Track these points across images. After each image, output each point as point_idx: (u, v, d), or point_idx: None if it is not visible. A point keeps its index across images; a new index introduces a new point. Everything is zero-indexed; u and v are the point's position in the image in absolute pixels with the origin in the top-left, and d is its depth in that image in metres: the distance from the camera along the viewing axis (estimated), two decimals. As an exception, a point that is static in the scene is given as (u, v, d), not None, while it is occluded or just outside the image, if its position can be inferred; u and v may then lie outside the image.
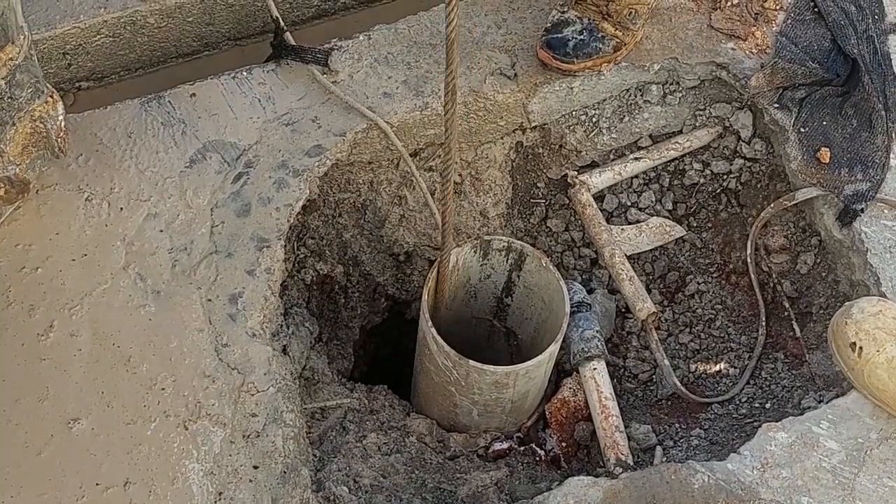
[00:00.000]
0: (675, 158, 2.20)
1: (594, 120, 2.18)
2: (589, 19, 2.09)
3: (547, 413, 1.99)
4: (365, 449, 1.82)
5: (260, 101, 2.03)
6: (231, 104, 2.02)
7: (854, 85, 2.07)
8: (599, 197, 2.20)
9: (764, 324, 2.07)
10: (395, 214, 2.18)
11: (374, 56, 2.10)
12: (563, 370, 2.07)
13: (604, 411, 1.90)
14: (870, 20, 2.16)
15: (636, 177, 2.22)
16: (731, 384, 2.01)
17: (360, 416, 1.91)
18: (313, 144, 1.97)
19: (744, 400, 1.96)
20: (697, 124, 2.19)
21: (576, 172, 2.19)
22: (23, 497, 1.58)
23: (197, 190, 1.90)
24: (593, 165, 2.22)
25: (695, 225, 2.22)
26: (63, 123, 1.87)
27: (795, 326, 2.03)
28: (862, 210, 1.95)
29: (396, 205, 2.17)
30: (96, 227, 1.85)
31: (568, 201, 2.20)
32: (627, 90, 2.18)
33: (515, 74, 2.09)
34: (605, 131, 2.19)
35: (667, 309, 2.17)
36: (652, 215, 2.20)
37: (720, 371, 2.05)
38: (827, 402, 1.79)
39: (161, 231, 1.85)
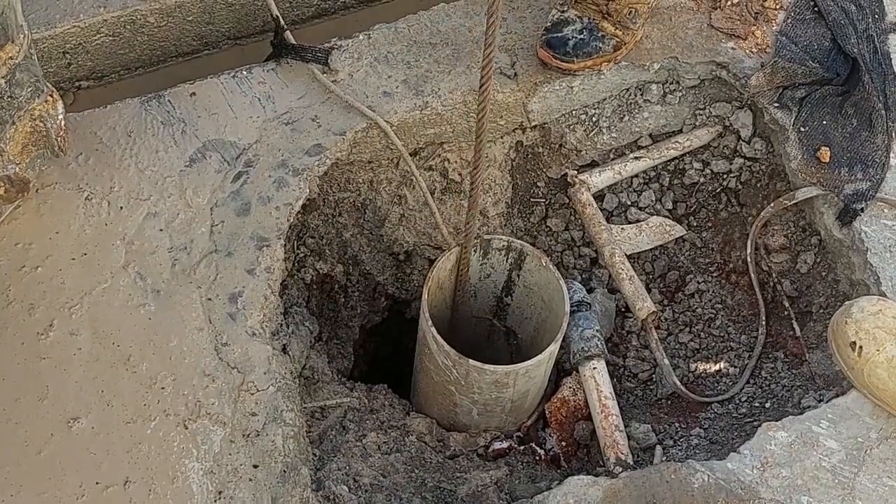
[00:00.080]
0: (675, 158, 2.20)
1: (594, 119, 2.18)
2: (589, 18, 2.09)
3: (547, 412, 1.99)
4: (365, 448, 1.82)
5: (260, 100, 2.03)
6: (231, 103, 2.02)
7: (854, 84, 2.07)
8: (599, 196, 2.20)
9: (764, 323, 2.07)
10: (395, 214, 2.18)
11: (373, 55, 2.10)
12: (562, 369, 2.07)
13: (603, 410, 1.90)
14: (870, 19, 2.16)
15: (636, 176, 2.22)
16: (730, 383, 2.01)
17: (359, 415, 1.91)
18: (313, 143, 1.97)
19: (744, 399, 1.96)
20: (697, 123, 2.19)
21: (576, 172, 2.19)
22: (23, 496, 1.58)
23: (197, 189, 1.90)
24: (593, 165, 2.22)
25: (695, 224, 2.22)
26: (63, 122, 1.87)
27: (795, 326, 2.03)
28: (862, 209, 1.94)
29: (396, 204, 2.17)
30: (96, 226, 1.85)
31: (568, 200, 2.20)
32: (627, 89, 2.18)
33: (515, 74, 2.09)
34: (605, 130, 2.19)
35: (667, 308, 2.17)
36: (652, 214, 2.20)
37: (720, 370, 2.05)
38: (827, 402, 1.79)
39: (161, 230, 1.85)
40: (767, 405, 1.92)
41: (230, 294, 1.79)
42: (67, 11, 2.14)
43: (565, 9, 2.11)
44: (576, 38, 2.07)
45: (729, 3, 2.20)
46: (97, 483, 1.60)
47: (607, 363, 1.99)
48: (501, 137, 2.18)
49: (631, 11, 2.07)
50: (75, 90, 2.27)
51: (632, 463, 1.83)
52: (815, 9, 2.20)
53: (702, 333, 2.12)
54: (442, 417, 2.00)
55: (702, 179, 2.20)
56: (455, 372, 1.81)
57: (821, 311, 2.01)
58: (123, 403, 1.67)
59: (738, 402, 1.96)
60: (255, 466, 1.64)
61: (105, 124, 1.97)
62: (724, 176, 2.18)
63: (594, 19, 2.09)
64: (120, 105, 2.01)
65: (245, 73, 2.07)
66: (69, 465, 1.61)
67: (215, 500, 1.60)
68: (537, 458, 1.95)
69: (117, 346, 1.72)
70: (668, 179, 2.22)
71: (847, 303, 1.81)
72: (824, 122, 2.05)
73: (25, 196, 1.86)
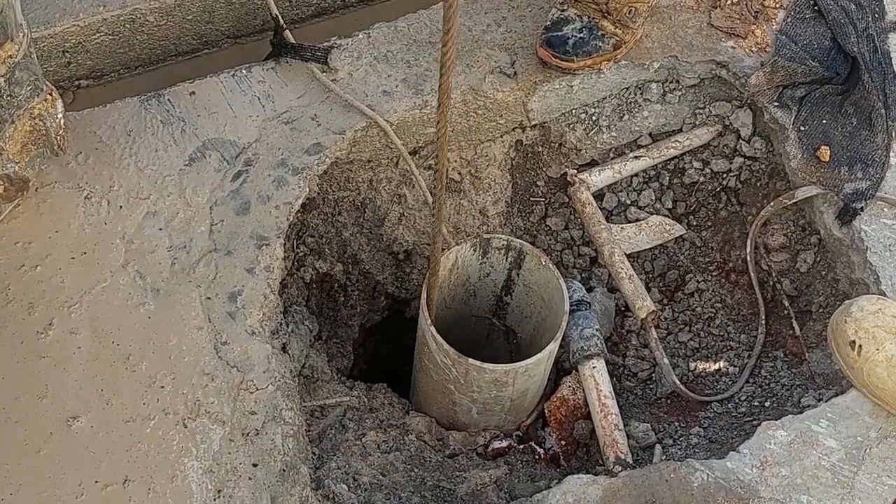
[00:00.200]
0: (675, 157, 2.20)
1: (594, 118, 2.18)
2: (589, 17, 2.09)
3: (546, 411, 1.99)
4: (364, 447, 1.82)
5: (259, 99, 2.03)
6: (230, 102, 2.02)
7: (854, 83, 2.07)
8: (599, 195, 2.20)
9: (763, 322, 2.07)
10: (395, 213, 2.18)
11: (373, 54, 2.10)
12: (562, 368, 2.07)
13: (603, 409, 1.90)
14: (870, 18, 2.16)
15: (636, 175, 2.22)
16: (730, 383, 2.01)
17: (359, 414, 1.91)
18: (313, 143, 1.97)
19: (743, 398, 1.96)
20: (697, 123, 2.19)
21: (575, 171, 2.18)
22: (22, 495, 1.58)
23: (196, 188, 1.90)
24: (593, 164, 2.22)
25: (694, 223, 2.22)
26: (62, 121, 1.87)
27: (795, 325, 2.03)
28: (862, 208, 1.94)
29: (396, 203, 2.17)
30: (96, 226, 1.85)
31: (567, 200, 2.20)
32: (627, 88, 2.18)
33: (515, 73, 2.09)
34: (604, 130, 2.19)
35: (666, 307, 2.17)
36: (651, 214, 2.20)
37: (719, 369, 2.05)
38: (826, 401, 1.79)
39: (160, 229, 1.85)
40: (767, 404, 1.92)
41: (230, 293, 1.79)
42: (67, 10, 2.14)
43: (565, 7, 2.11)
44: (575, 36, 2.07)
45: (729, 1, 2.20)
46: (96, 482, 1.60)
47: (607, 362, 1.99)
48: (501, 136, 2.17)
49: (631, 10, 2.07)
50: (75, 89, 2.27)
51: (631, 462, 1.83)
52: (815, 8, 2.20)
53: (701, 332, 2.12)
54: (441, 416, 2.00)
55: (701, 178, 2.20)
56: (454, 371, 1.81)
57: (820, 310, 2.01)
58: (123, 402, 1.67)
59: (737, 401, 1.96)
60: (255, 465, 1.64)
61: (104, 123, 1.97)
62: (724, 175, 2.18)
63: (594, 18, 2.09)
64: (119, 104, 2.01)
65: (245, 72, 2.07)
66: (68, 463, 1.61)
67: (214, 499, 1.60)
68: (537, 457, 1.95)
69: (117, 344, 1.72)
70: (667, 178, 2.22)
71: (847, 302, 1.81)
72: (824, 122, 2.05)
73: (25, 195, 1.86)
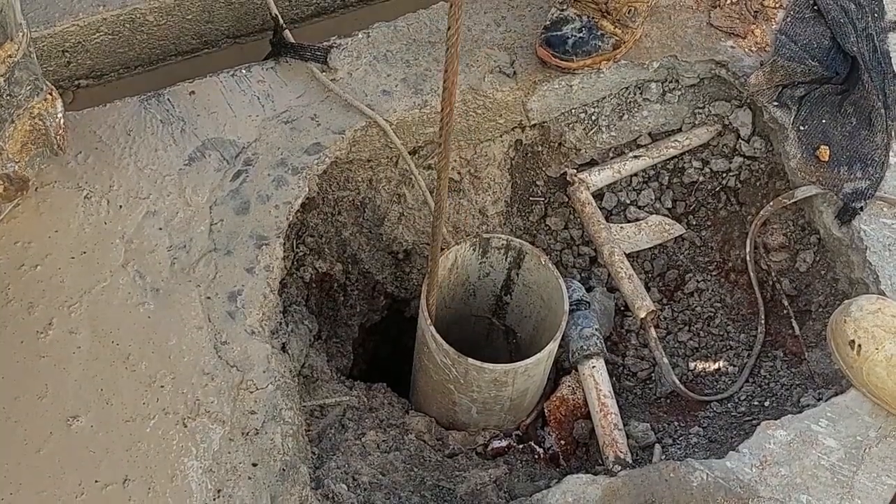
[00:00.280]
0: (675, 156, 2.20)
1: (593, 118, 2.18)
2: (588, 17, 2.09)
3: (546, 411, 1.99)
4: (364, 446, 1.82)
5: (259, 98, 2.03)
6: (230, 102, 2.02)
7: (853, 83, 2.07)
8: (599, 195, 2.20)
9: (763, 322, 2.07)
10: (395, 212, 2.18)
11: (373, 54, 2.10)
12: (562, 368, 2.07)
13: (602, 409, 1.90)
14: (869, 18, 2.16)
15: (635, 175, 2.22)
16: (730, 382, 2.01)
17: (359, 413, 1.91)
18: (312, 142, 1.97)
19: (743, 398, 1.96)
20: (697, 122, 2.19)
21: (575, 170, 2.18)
22: (22, 494, 1.58)
23: (196, 188, 1.90)
24: (592, 163, 2.22)
25: (694, 223, 2.22)
26: (62, 121, 1.87)
27: (794, 324, 2.03)
28: (861, 208, 1.94)
29: (395, 203, 2.17)
30: (95, 225, 1.85)
31: (567, 199, 2.20)
32: (627, 88, 2.18)
33: (514, 72, 2.09)
34: (604, 129, 2.19)
35: (666, 307, 2.17)
36: (651, 213, 2.20)
37: (719, 369, 2.05)
38: (826, 400, 1.79)
39: (160, 229, 1.85)
40: (766, 404, 1.92)
41: (229, 293, 1.79)
42: (67, 10, 2.14)
43: (564, 7, 2.11)
44: (575, 36, 2.07)
45: (728, 1, 2.20)
46: (96, 481, 1.60)
47: (606, 362, 1.99)
48: (501, 136, 2.18)
49: (630, 10, 2.07)
50: (74, 89, 2.27)
51: (631, 461, 1.83)
52: (815, 7, 2.20)
53: (701, 332, 2.12)
54: (441, 416, 2.00)
55: (701, 178, 2.20)
56: (454, 370, 1.81)
57: (820, 309, 2.01)
58: (122, 402, 1.67)
59: (737, 400, 1.96)
60: (255, 465, 1.64)
61: (104, 123, 1.97)
62: (724, 175, 2.18)
63: (593, 18, 2.09)
64: (119, 104, 2.01)
65: (244, 71, 2.07)
66: (68, 463, 1.61)
67: (214, 499, 1.60)
68: (536, 456, 1.95)
69: (116, 344, 1.72)
70: (667, 178, 2.22)
71: (846, 301, 1.81)
72: (824, 121, 2.05)
73: (25, 194, 1.86)
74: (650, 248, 2.19)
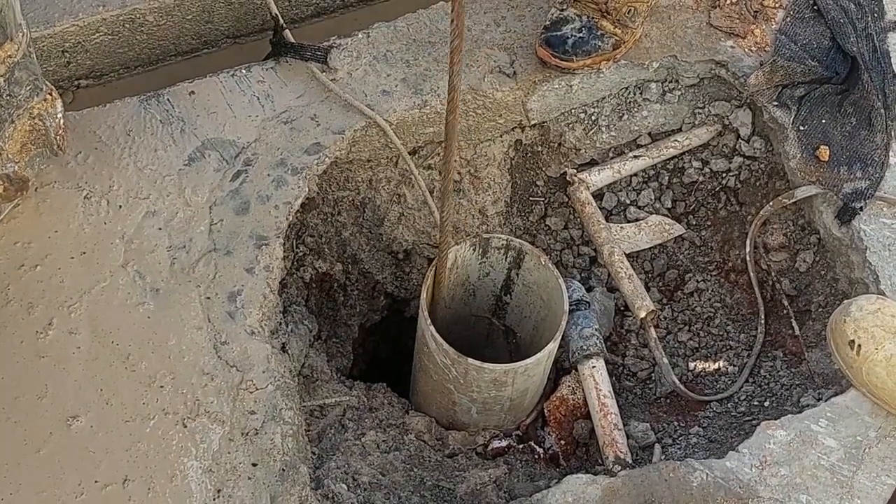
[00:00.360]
0: (675, 156, 2.20)
1: (593, 118, 2.18)
2: (588, 17, 2.09)
3: (546, 411, 1.99)
4: (364, 447, 1.82)
5: (259, 99, 2.03)
6: (230, 102, 2.02)
7: (853, 83, 2.07)
8: (598, 195, 2.20)
9: (763, 322, 2.07)
10: (394, 212, 2.18)
11: (373, 54, 2.10)
12: (561, 368, 2.07)
13: (602, 409, 1.90)
14: (869, 18, 2.16)
15: (635, 175, 2.22)
16: (729, 382, 2.01)
17: (358, 413, 1.91)
18: (312, 142, 1.97)
19: (742, 398, 1.96)
20: (697, 122, 2.19)
21: (575, 170, 2.18)
22: (22, 494, 1.58)
23: (196, 188, 1.90)
24: (592, 163, 2.22)
25: (694, 223, 2.22)
26: (62, 121, 1.87)
27: (794, 324, 2.03)
28: (861, 208, 1.94)
29: (395, 203, 2.17)
30: (95, 225, 1.85)
31: (567, 199, 2.20)
32: (627, 88, 2.18)
33: (514, 72, 2.09)
34: (604, 129, 2.19)
35: (666, 307, 2.17)
36: (651, 213, 2.20)
37: (719, 369, 2.05)
38: (826, 400, 1.79)
39: (160, 229, 1.85)
40: (766, 404, 1.92)
41: (229, 293, 1.79)
42: (66, 10, 2.14)
43: (564, 7, 2.11)
44: (575, 36, 2.07)
45: (728, 1, 2.20)
46: (96, 481, 1.60)
47: (606, 362, 1.99)
48: (500, 136, 2.18)
49: (630, 10, 2.07)
50: (74, 89, 2.27)
51: (630, 461, 1.83)
52: (815, 7, 2.20)
53: (701, 332, 2.12)
54: (441, 416, 2.00)
55: (701, 178, 2.20)
56: (454, 370, 1.81)
57: (820, 309, 2.01)
58: (122, 402, 1.67)
59: (737, 400, 1.96)
60: (254, 465, 1.64)
61: (104, 123, 1.97)
62: (724, 175, 2.18)
63: (593, 18, 2.09)
64: (119, 104, 2.01)
65: (244, 71, 2.07)
66: (68, 463, 1.61)
67: (214, 499, 1.60)
68: (536, 456, 1.95)
69: (116, 344, 1.72)
70: (667, 178, 2.22)
71: (846, 301, 1.81)
72: (823, 121, 2.05)
73: (24, 195, 1.86)
74: (650, 248, 2.19)
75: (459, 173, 2.18)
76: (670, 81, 2.18)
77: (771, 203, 2.08)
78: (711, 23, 2.18)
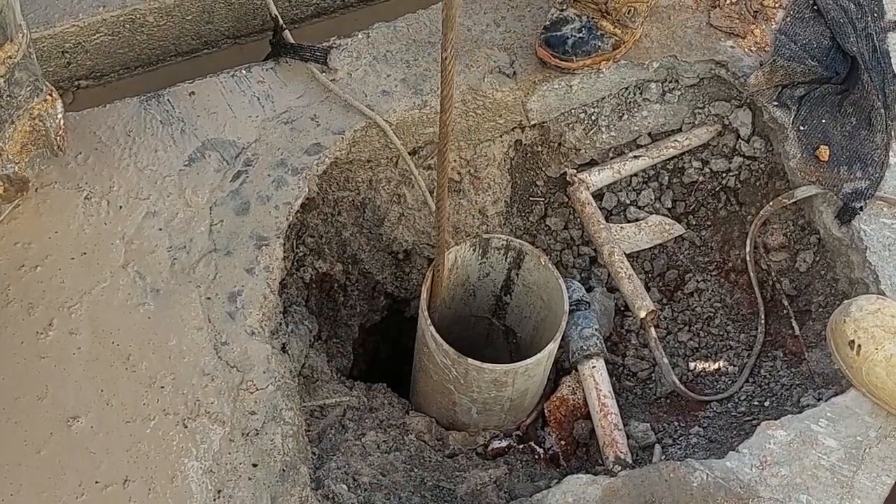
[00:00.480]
0: (675, 156, 2.20)
1: (593, 118, 2.18)
2: (588, 17, 2.09)
3: (546, 411, 1.99)
4: (364, 447, 1.82)
5: (259, 99, 2.03)
6: (230, 102, 2.02)
7: (853, 83, 2.07)
8: (598, 195, 2.20)
9: (763, 322, 2.07)
10: (394, 213, 2.18)
11: (372, 54, 2.10)
12: (562, 368, 2.07)
13: (603, 409, 1.90)
14: (869, 18, 2.16)
15: (635, 175, 2.22)
16: (730, 382, 2.01)
17: (359, 414, 1.92)
18: (312, 143, 1.97)
19: (743, 398, 1.96)
20: (696, 122, 2.19)
21: (575, 170, 2.19)
22: (22, 495, 1.58)
23: (196, 188, 1.90)
24: (592, 163, 2.22)
25: (694, 223, 2.22)
26: (62, 122, 1.87)
27: (794, 324, 2.03)
28: (861, 208, 1.94)
29: (395, 203, 2.17)
30: (95, 226, 1.85)
31: (567, 199, 2.20)
32: (626, 88, 2.18)
33: (514, 72, 2.09)
34: (604, 129, 2.19)
35: (666, 307, 2.17)
36: (651, 213, 2.20)
37: (719, 369, 2.05)
38: (826, 400, 1.79)
39: (160, 229, 1.85)
40: (766, 404, 1.92)
41: (229, 293, 1.79)
42: (66, 11, 2.14)
43: (564, 7, 2.11)
44: (575, 36, 2.07)
45: (728, 1, 2.20)
46: (96, 482, 1.60)
47: (606, 362, 1.99)
48: (500, 136, 2.18)
49: (630, 10, 2.07)
50: (74, 89, 2.27)
51: (631, 462, 1.83)
52: (815, 7, 2.20)
53: (701, 332, 2.12)
54: (441, 416, 2.00)
55: (701, 178, 2.20)
56: (454, 371, 1.81)
57: (820, 309, 2.01)
58: (123, 402, 1.67)
59: (737, 400, 1.96)
60: (255, 465, 1.64)
61: (104, 124, 1.97)
62: (724, 175, 2.18)
63: (593, 18, 2.09)
64: (119, 104, 2.01)
65: (244, 72, 2.07)
66: (69, 464, 1.61)
67: (214, 499, 1.60)
68: (536, 456, 1.96)
69: (117, 345, 1.72)
70: (667, 178, 2.22)
71: (846, 301, 1.81)
72: (823, 121, 2.05)
73: (25, 195, 1.86)
74: (650, 248, 2.19)
75: (459, 173, 2.18)
76: (670, 81, 2.18)
77: (771, 203, 2.08)
78: (711, 23, 2.18)
